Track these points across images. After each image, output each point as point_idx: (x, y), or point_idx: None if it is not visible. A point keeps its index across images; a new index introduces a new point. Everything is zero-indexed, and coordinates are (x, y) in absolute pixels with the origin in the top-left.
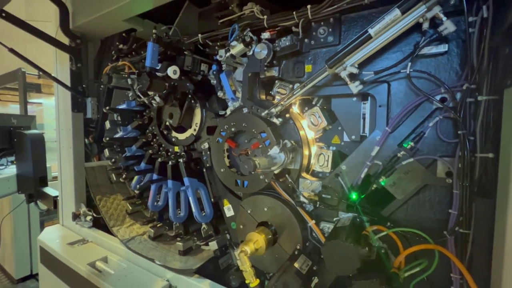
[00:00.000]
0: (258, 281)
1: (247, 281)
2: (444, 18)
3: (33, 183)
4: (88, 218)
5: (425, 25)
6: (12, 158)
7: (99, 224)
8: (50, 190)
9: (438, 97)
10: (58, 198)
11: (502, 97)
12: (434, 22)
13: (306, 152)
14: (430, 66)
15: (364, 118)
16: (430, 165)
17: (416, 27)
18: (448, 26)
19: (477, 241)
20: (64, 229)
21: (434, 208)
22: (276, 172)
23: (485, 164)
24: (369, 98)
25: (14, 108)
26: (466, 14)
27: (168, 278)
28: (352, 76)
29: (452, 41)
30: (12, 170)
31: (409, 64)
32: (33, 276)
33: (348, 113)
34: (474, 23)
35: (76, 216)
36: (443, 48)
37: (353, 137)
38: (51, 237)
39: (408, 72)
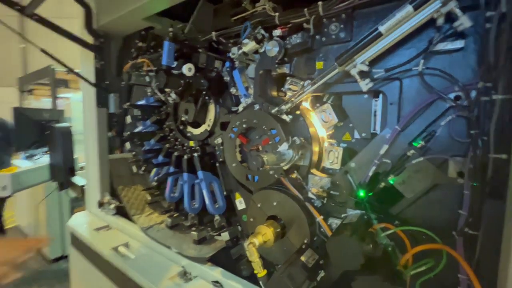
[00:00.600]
0: (265, 271)
1: (255, 271)
2: (460, 13)
3: (63, 172)
4: (112, 206)
5: (440, 21)
6: (45, 149)
7: (122, 212)
8: (78, 179)
9: (452, 95)
10: (85, 187)
11: None
12: (451, 17)
13: (316, 149)
14: (445, 63)
15: (375, 116)
16: (442, 165)
17: (432, 22)
18: (463, 22)
19: (486, 243)
20: (91, 215)
21: (444, 208)
22: (285, 168)
23: (498, 165)
24: (380, 95)
25: (45, 102)
26: (484, 8)
27: (183, 265)
28: (363, 74)
29: (469, 37)
30: (46, 160)
31: (422, 61)
32: (65, 257)
33: (359, 111)
34: (492, 18)
35: (101, 204)
36: (459, 44)
37: (364, 134)
38: (80, 222)
39: (420, 69)
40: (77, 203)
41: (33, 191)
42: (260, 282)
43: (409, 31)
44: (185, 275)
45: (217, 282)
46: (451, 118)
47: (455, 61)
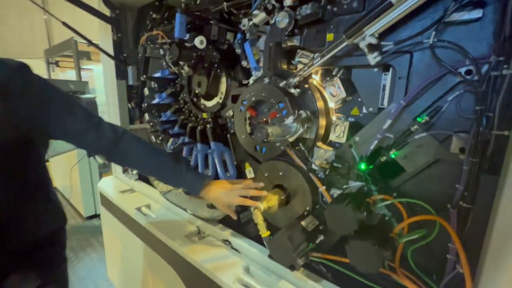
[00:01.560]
0: (268, 233)
1: (260, 233)
2: None
3: None
4: (134, 172)
5: None
6: None
7: (144, 177)
8: None
9: (463, 69)
10: None
11: None
12: None
13: (322, 122)
14: (459, 34)
15: (383, 90)
16: (445, 141)
17: None
18: None
19: (477, 216)
20: (116, 179)
21: (443, 183)
22: (291, 140)
23: (499, 142)
24: (390, 69)
25: (71, 73)
26: None
27: (197, 225)
28: (371, 47)
29: (489, 6)
30: None
31: (433, 33)
32: (97, 216)
33: (367, 84)
34: None
35: (125, 170)
36: (477, 14)
37: (371, 109)
38: (107, 185)
39: (431, 42)
40: (104, 169)
41: (68, 156)
42: (264, 242)
43: (422, 1)
44: (199, 233)
45: (226, 240)
46: (459, 94)
47: (471, 33)
